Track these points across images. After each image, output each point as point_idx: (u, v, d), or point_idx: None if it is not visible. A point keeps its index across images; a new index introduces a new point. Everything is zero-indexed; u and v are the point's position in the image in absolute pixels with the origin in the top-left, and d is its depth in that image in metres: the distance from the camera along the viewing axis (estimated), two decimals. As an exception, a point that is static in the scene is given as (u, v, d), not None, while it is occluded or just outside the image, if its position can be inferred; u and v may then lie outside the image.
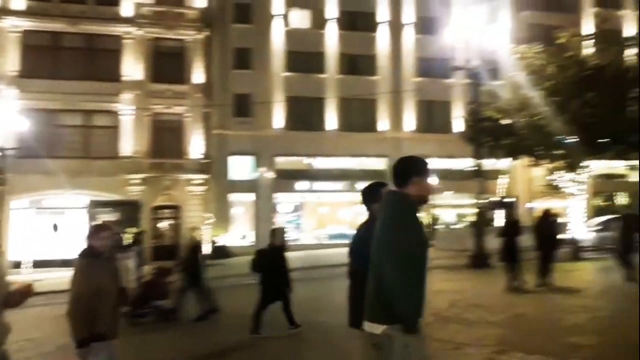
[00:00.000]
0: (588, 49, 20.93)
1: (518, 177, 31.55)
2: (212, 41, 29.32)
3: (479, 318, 8.82)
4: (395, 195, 3.05)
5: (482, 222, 19.14)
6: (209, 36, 29.18)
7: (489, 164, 24.57)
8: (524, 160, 24.15)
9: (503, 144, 21.54)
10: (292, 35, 30.60)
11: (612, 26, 27.83)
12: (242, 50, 29.77)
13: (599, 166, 23.71)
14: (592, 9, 33.39)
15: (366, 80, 31.42)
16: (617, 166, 26.58)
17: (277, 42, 30.49)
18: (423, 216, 3.13)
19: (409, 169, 3.08)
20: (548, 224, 12.30)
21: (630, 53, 21.23)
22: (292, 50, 30.44)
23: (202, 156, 28.49)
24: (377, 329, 2.91)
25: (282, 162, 30.07)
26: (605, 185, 30.80)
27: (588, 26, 30.52)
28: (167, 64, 28.40)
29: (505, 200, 28.19)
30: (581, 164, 20.67)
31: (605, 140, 19.79)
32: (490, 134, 20.75)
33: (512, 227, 11.92)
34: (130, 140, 27.54)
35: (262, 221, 28.79)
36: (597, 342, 6.92)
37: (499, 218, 24.41)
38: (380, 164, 30.84)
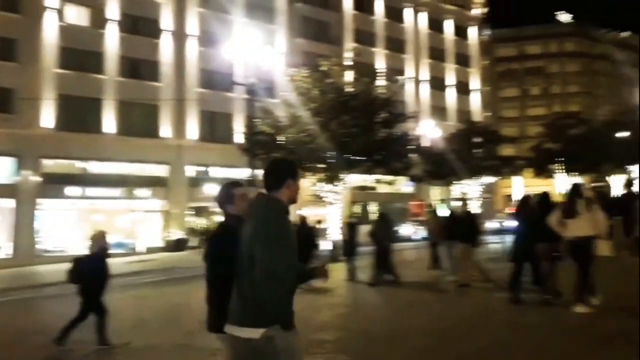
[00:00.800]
0: (347, 77, 23.09)
1: (290, 186, 33.13)
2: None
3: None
4: (268, 200, 2.91)
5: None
6: (-37, 20, 24.39)
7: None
8: (294, 172, 25.33)
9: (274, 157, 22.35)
10: (67, 31, 27.34)
11: (366, 60, 31.41)
12: (5, 40, 25.55)
13: (354, 179, 26.22)
14: (351, 44, 37.20)
15: (149, 85, 29.72)
16: (368, 179, 29.73)
17: (49, 36, 26.90)
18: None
19: (285, 172, 2.97)
20: (305, 230, 13.07)
21: (379, 84, 24.14)
22: (67, 46, 27.20)
23: (-54, 155, 23.50)
24: (254, 333, 2.73)
25: (51, 165, 26.50)
26: (360, 195, 34.39)
27: (349, 58, 33.85)
28: None
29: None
30: (339, 177, 22.60)
31: (357, 157, 22.07)
32: (263, 147, 21.38)
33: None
34: None
35: (23, 230, 24.96)
36: (339, 336, 7.29)
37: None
38: (162, 170, 29.41)
